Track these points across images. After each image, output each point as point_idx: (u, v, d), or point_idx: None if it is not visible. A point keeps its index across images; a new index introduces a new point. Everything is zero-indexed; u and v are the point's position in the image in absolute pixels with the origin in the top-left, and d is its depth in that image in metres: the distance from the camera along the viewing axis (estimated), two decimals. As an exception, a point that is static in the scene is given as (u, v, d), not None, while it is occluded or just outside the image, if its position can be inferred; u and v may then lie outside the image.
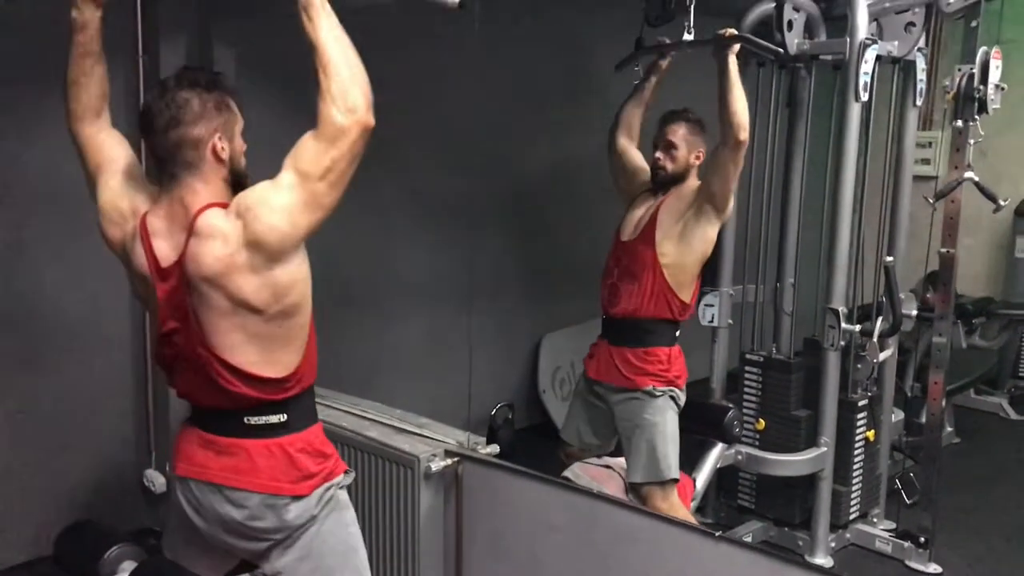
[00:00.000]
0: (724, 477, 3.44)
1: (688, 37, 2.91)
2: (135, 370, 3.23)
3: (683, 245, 2.87)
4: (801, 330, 3.53)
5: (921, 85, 3.26)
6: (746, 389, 3.42)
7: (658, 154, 2.94)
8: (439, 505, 2.52)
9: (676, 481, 2.83)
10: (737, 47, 2.76)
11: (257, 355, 1.76)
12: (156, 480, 3.15)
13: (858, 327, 3.14)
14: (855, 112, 3.03)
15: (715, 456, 3.15)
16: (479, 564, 2.52)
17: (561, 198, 4.54)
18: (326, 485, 1.88)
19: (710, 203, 2.82)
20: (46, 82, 2.42)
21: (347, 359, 3.88)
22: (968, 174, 2.92)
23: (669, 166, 2.92)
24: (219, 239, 1.68)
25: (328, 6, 1.67)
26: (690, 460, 3.07)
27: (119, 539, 1.85)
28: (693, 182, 2.94)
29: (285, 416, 1.83)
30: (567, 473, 2.90)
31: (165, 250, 1.75)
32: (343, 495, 1.95)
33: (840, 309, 3.09)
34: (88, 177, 1.88)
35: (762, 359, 3.39)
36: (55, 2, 1.97)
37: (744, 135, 2.72)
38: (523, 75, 4.21)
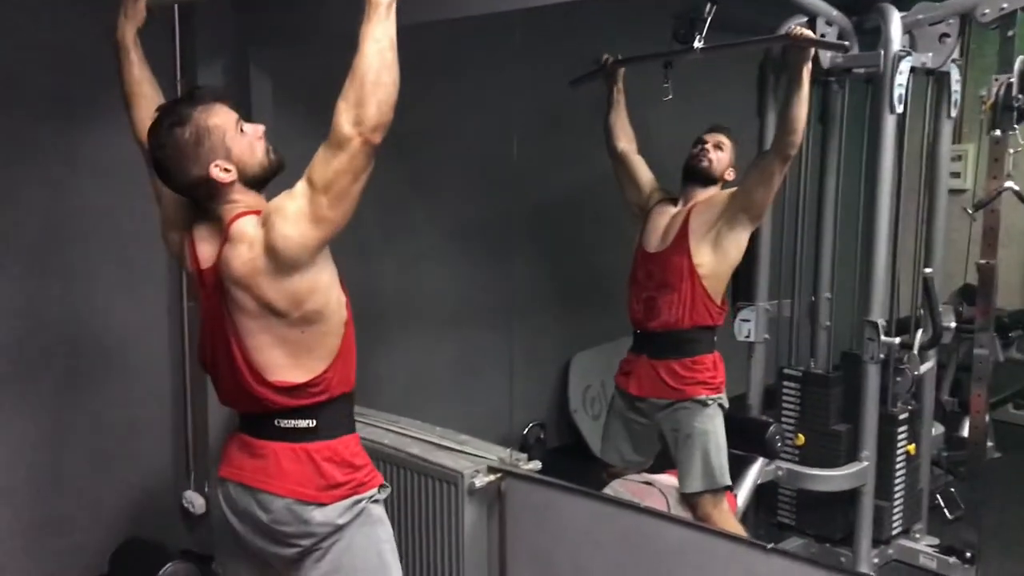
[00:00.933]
0: (763, 493, 3.40)
1: (698, 44, 2.89)
2: (173, 392, 3.24)
3: (719, 252, 2.89)
4: (838, 344, 3.50)
5: (956, 96, 3.25)
6: (785, 404, 3.39)
7: (706, 147, 2.98)
8: (483, 521, 2.52)
9: (729, 488, 2.80)
10: (812, 53, 2.74)
11: (283, 359, 1.81)
12: (195, 501, 3.14)
13: (898, 339, 3.11)
14: (890, 124, 3.02)
15: (756, 471, 3.12)
16: (524, 581, 2.52)
17: (588, 217, 4.55)
18: (355, 498, 1.89)
19: (746, 212, 2.85)
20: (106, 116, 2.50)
21: (380, 378, 3.90)
22: (1008, 183, 2.89)
23: (713, 159, 2.97)
24: (246, 243, 1.75)
25: (392, 15, 1.67)
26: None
27: (172, 556, 1.86)
28: (721, 192, 2.96)
29: (314, 422, 1.86)
30: (607, 490, 2.88)
31: (206, 254, 1.84)
32: (377, 509, 1.95)
33: (879, 322, 3.07)
34: (154, 185, 1.96)
35: (800, 374, 3.37)
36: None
37: (795, 150, 2.77)
38: (550, 97, 4.24)
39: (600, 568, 2.36)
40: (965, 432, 3.67)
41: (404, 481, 2.59)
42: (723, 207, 2.89)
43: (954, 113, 3.30)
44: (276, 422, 1.85)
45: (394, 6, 1.67)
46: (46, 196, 2.90)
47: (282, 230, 1.71)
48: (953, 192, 3.81)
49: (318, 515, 1.84)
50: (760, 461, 3.13)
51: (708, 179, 2.98)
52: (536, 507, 2.49)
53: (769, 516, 3.50)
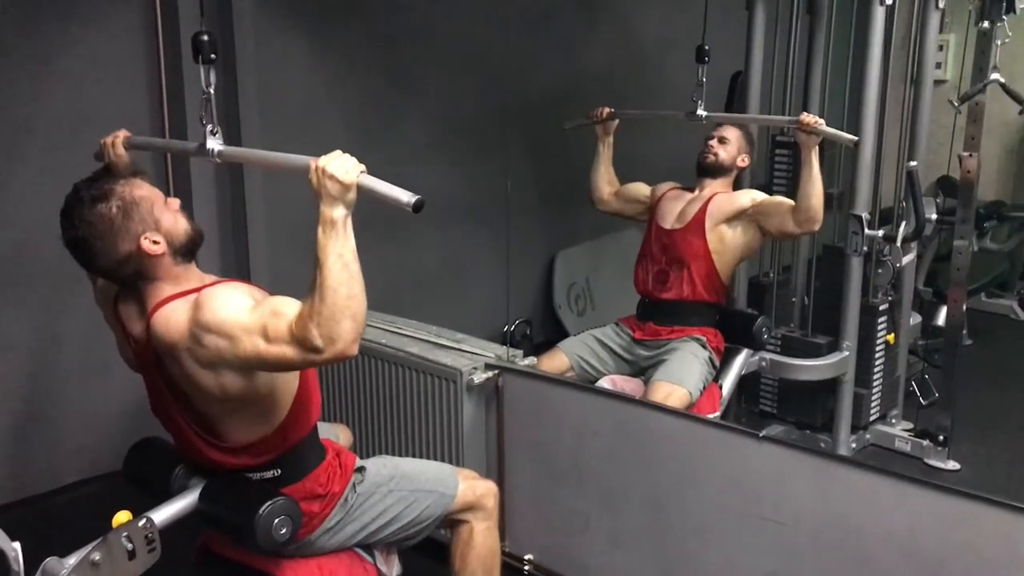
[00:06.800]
0: (745, 384, 3.50)
1: (701, 112, 3.09)
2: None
3: (732, 242, 3.03)
4: (817, 239, 3.53)
5: (945, -14, 3.22)
6: (776, 171, 3.49)
7: (712, 142, 3.10)
8: (481, 416, 2.59)
9: (690, 402, 2.80)
10: (819, 138, 2.83)
11: (233, 426, 1.75)
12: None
13: (881, 232, 3.17)
14: (879, 16, 3.00)
15: (740, 362, 3.19)
16: (522, 472, 2.60)
17: (574, 115, 4.50)
18: (337, 506, 1.90)
19: (759, 230, 3.01)
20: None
21: (373, 278, 3.90)
22: (995, 76, 2.91)
23: (721, 154, 3.09)
24: (174, 317, 1.66)
25: (348, 228, 1.61)
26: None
27: (187, 456, 1.89)
28: (743, 197, 3.03)
29: (279, 471, 1.81)
30: (601, 383, 2.96)
31: (137, 330, 1.75)
32: (363, 487, 1.95)
33: (863, 215, 3.12)
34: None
35: (792, 140, 3.38)
36: None
37: (817, 226, 2.88)
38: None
39: (597, 456, 2.45)
40: (940, 321, 3.79)
41: (405, 379, 2.64)
42: (741, 211, 3.00)
43: (942, 3, 3.28)
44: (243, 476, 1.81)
45: (349, 221, 1.61)
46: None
47: (215, 342, 1.60)
48: (935, 83, 3.81)
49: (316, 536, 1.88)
50: (745, 352, 3.20)
51: (718, 171, 3.09)
52: (533, 401, 2.56)
53: (751, 405, 3.61)
